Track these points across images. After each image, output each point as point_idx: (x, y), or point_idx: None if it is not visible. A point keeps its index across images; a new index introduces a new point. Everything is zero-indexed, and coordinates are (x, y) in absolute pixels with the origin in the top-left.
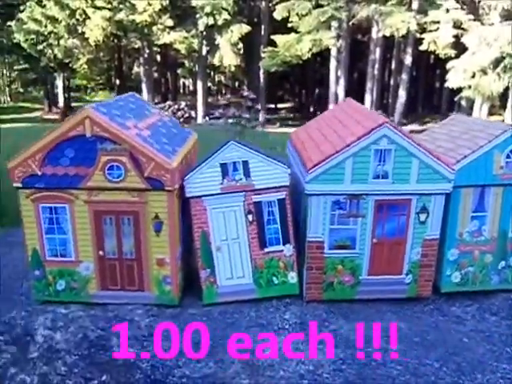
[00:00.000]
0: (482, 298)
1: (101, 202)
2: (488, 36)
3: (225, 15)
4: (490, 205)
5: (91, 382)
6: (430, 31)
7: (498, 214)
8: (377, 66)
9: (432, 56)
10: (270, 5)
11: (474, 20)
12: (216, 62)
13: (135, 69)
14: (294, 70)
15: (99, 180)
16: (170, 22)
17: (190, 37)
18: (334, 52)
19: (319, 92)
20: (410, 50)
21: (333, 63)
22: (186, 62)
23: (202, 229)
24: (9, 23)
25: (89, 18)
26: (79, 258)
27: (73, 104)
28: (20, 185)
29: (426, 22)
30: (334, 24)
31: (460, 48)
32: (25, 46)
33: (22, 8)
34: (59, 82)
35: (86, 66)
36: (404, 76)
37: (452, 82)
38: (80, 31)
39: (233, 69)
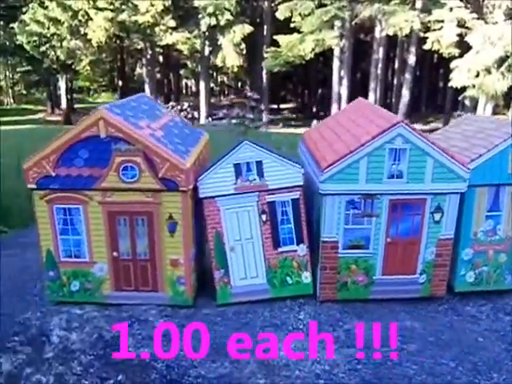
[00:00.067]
0: (496, 298)
1: (115, 202)
2: (492, 35)
3: (227, 15)
4: (505, 204)
5: (107, 381)
6: (434, 30)
7: None
8: (380, 65)
9: (436, 55)
10: (273, 5)
11: (478, 19)
12: (219, 62)
13: (138, 70)
14: (297, 70)
15: (113, 181)
16: (172, 23)
17: (193, 37)
18: (336, 52)
19: (322, 92)
20: (413, 49)
21: (336, 63)
22: (189, 63)
23: (215, 229)
24: (11, 25)
25: (91, 19)
26: (93, 258)
27: (75, 106)
28: (34, 186)
29: (429, 21)
30: (337, 24)
31: (464, 47)
32: (27, 47)
33: (24, 10)
34: (62, 84)
35: (88, 68)
36: (407, 75)
37: (456, 81)
38: (82, 32)
39: (235, 69)
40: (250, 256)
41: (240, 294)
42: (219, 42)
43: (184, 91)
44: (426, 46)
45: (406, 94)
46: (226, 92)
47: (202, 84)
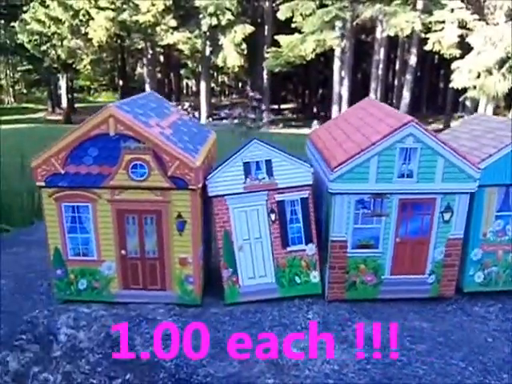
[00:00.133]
0: (505, 298)
1: (124, 201)
2: (493, 36)
3: (228, 15)
4: None
5: (115, 380)
6: (435, 31)
7: None
8: (381, 66)
9: (436, 56)
10: (274, 5)
11: (479, 20)
12: (219, 62)
13: (138, 69)
14: (298, 70)
15: (122, 179)
16: (173, 23)
17: (194, 37)
18: (337, 52)
19: (322, 93)
20: (414, 50)
21: (337, 64)
22: (190, 63)
23: (224, 228)
24: (12, 24)
25: (92, 18)
26: (101, 257)
27: (76, 105)
28: (43, 183)
29: (430, 22)
30: (338, 24)
31: (465, 48)
32: (28, 46)
33: (25, 9)
34: (62, 83)
35: (89, 67)
36: (408, 76)
37: (457, 82)
38: (83, 32)
39: (236, 69)
40: (258, 255)
41: (248, 294)
42: (220, 42)
43: (185, 91)
44: (427, 47)
45: (406, 94)
46: (227, 92)
47: (202, 84)
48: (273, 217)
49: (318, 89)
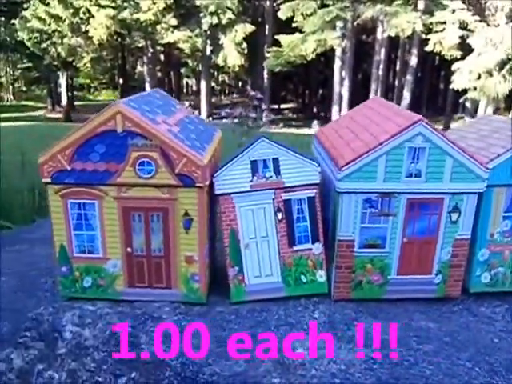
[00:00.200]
0: (510, 299)
1: (130, 198)
2: (494, 37)
3: (229, 14)
4: None
5: (120, 378)
6: (436, 32)
7: None
8: (381, 66)
9: (437, 57)
10: (275, 4)
11: (480, 21)
12: (220, 61)
13: (139, 68)
14: (298, 70)
15: (129, 176)
16: (174, 21)
17: (194, 36)
18: (338, 52)
19: (323, 93)
20: (415, 50)
21: (337, 64)
22: (190, 62)
23: (230, 226)
24: (12, 21)
25: (93, 16)
26: (107, 254)
27: (76, 103)
28: (49, 180)
29: (431, 23)
30: (339, 24)
31: (466, 49)
32: (28, 44)
33: (25, 6)
34: (62, 81)
35: (89, 65)
36: (409, 77)
37: (457, 83)
38: (84, 30)
39: (236, 69)
40: (264, 254)
41: (254, 292)
42: (221, 41)
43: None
44: (428, 48)
45: (406, 95)
46: (227, 91)
47: (202, 83)
48: (279, 215)
49: (318, 89)
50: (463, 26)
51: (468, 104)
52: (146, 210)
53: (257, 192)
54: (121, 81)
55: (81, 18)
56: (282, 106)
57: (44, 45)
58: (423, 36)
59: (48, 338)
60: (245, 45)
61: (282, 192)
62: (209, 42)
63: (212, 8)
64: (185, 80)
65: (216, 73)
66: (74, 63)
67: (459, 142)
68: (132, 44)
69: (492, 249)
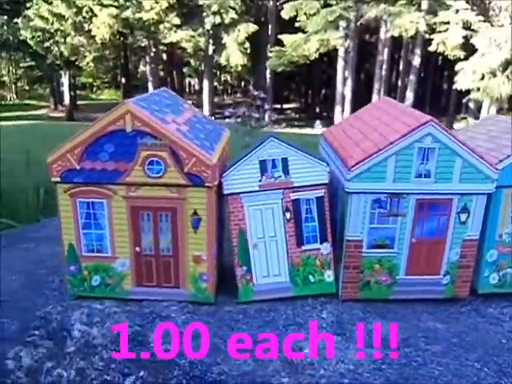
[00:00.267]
0: None
1: (139, 197)
2: (498, 37)
3: (232, 14)
4: None
5: (129, 377)
6: (439, 32)
7: None
8: (384, 66)
9: (440, 57)
10: (278, 4)
11: (484, 21)
12: (222, 61)
13: (141, 67)
14: (301, 70)
15: (138, 175)
16: (176, 21)
17: (197, 35)
18: (341, 52)
19: (325, 92)
20: (418, 50)
21: (340, 63)
22: (192, 61)
23: (239, 226)
24: (15, 20)
25: (95, 15)
26: (115, 253)
27: (78, 102)
28: (58, 179)
29: (435, 23)
30: (342, 24)
31: (469, 49)
32: (31, 43)
33: (28, 5)
34: (65, 80)
35: (91, 64)
36: (412, 77)
37: (461, 83)
38: (86, 29)
39: (239, 68)
40: (273, 254)
41: (262, 292)
42: (223, 41)
43: (187, 89)
44: (431, 48)
45: (409, 95)
46: (230, 91)
47: (205, 82)
48: (288, 215)
49: (320, 89)
50: (467, 26)
51: (471, 104)
52: (155, 209)
53: (265, 192)
54: (123, 80)
55: (83, 17)
56: (285, 105)
57: (47, 44)
58: (426, 36)
59: (56, 336)
60: (247, 44)
61: (290, 192)
62: (211, 41)
63: (215, 7)
64: (187, 79)
65: (218, 72)
66: (76, 62)
67: (468, 143)
68: (134, 43)
69: (500, 250)
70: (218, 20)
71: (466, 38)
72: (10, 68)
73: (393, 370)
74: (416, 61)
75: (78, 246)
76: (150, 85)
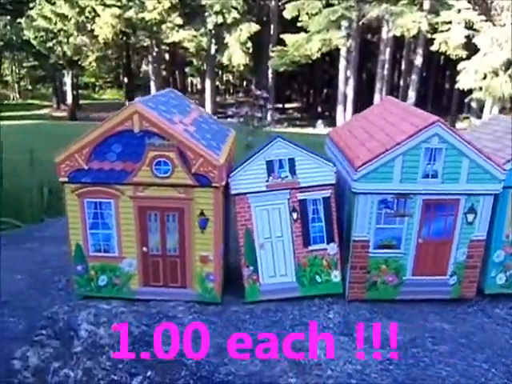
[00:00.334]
0: None
1: (146, 197)
2: (500, 37)
3: (234, 14)
4: None
5: (136, 377)
6: (442, 31)
7: None
8: (386, 66)
9: (442, 57)
10: (280, 4)
11: (486, 21)
12: (225, 60)
13: (144, 67)
14: (303, 69)
15: (146, 176)
16: (179, 21)
17: (199, 35)
18: (343, 52)
19: (327, 92)
20: (420, 50)
21: (342, 63)
22: (195, 61)
23: (245, 226)
24: (18, 20)
25: (98, 15)
26: (122, 254)
27: (81, 102)
28: (66, 179)
29: (437, 23)
30: (344, 24)
31: (471, 49)
32: (34, 43)
33: (31, 5)
34: (68, 80)
35: (94, 64)
36: (414, 76)
37: (463, 83)
38: (89, 29)
39: (241, 68)
40: (279, 254)
41: (269, 292)
42: (226, 41)
43: (189, 89)
44: (433, 48)
45: (412, 95)
46: (232, 91)
47: (207, 82)
48: (295, 215)
49: (322, 88)
50: (469, 26)
51: (473, 104)
52: (162, 209)
53: (272, 192)
54: (126, 80)
55: (86, 17)
56: (287, 105)
57: (50, 44)
58: (428, 36)
59: (63, 336)
60: (250, 44)
61: (297, 192)
62: (214, 41)
63: (217, 7)
64: (189, 79)
65: (221, 72)
66: (79, 62)
67: (475, 143)
68: (137, 43)
69: (507, 250)
70: (220, 20)
71: (468, 37)
72: (13, 68)
73: (400, 371)
74: (418, 60)
75: (85, 245)
76: (152, 84)
